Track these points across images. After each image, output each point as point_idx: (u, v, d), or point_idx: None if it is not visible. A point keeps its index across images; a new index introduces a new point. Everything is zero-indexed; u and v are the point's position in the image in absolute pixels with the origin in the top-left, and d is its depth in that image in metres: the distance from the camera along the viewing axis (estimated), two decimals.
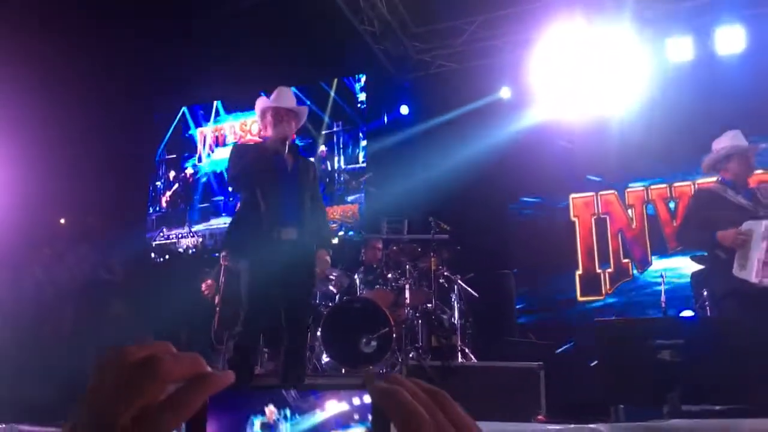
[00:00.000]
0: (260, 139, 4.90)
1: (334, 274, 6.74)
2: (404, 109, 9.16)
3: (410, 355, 6.14)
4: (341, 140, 9.74)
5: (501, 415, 4.36)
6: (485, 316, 7.22)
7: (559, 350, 7.42)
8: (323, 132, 9.82)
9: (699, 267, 6.18)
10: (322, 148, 9.75)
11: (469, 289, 6.85)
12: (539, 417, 4.35)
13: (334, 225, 9.29)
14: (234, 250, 4.37)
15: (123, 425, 0.53)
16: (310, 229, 4.28)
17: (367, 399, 0.63)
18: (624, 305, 8.00)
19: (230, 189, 9.60)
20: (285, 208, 4.18)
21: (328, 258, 4.49)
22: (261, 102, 4.56)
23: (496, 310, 7.60)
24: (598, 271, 8.37)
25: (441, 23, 8.89)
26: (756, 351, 3.43)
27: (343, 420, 0.65)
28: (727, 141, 4.88)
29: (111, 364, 0.56)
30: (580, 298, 8.35)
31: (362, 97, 9.67)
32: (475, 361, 6.22)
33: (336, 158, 9.76)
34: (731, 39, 7.77)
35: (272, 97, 4.51)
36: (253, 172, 4.13)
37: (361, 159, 9.59)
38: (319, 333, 6.26)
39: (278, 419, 0.65)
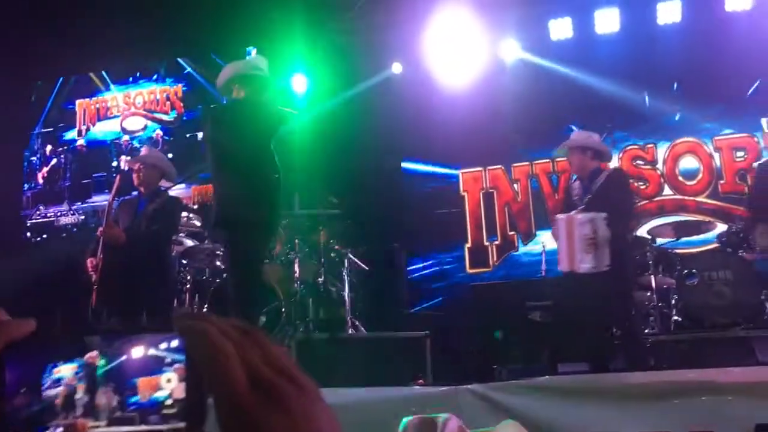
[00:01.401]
0: None
1: (221, 249, 6.59)
2: (299, 82, 8.99)
3: (300, 329, 6.13)
4: None
5: (385, 382, 4.45)
6: (376, 288, 7.30)
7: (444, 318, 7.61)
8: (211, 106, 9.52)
9: None
10: None
11: (359, 262, 6.88)
12: (419, 381, 4.45)
13: None
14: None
15: None
16: None
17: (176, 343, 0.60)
18: (510, 276, 8.28)
19: None
20: None
21: None
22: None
23: (387, 283, 7.69)
24: (486, 243, 8.62)
25: None
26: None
27: (153, 364, 0.62)
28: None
29: None
30: (469, 270, 8.57)
31: None
32: (365, 332, 6.29)
33: None
34: (608, 20, 8.14)
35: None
36: None
37: None
38: (205, 308, 6.14)
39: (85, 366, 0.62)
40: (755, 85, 7.64)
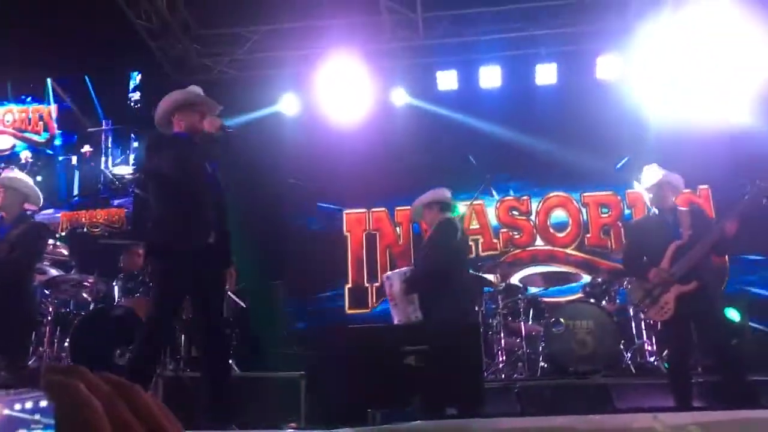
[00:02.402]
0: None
1: (89, 280, 6.25)
2: None
3: (168, 367, 5.87)
4: (110, 139, 9.12)
5: (257, 424, 4.33)
6: (253, 326, 7.15)
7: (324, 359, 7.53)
8: (90, 130, 9.13)
9: None
10: (87, 147, 9.04)
11: (237, 299, 6.73)
12: (291, 424, 4.36)
13: (97, 230, 8.66)
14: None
15: None
16: None
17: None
18: (388, 318, 8.34)
19: None
20: None
21: None
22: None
23: (265, 321, 7.55)
24: (366, 284, 8.68)
25: (225, 29, 8.71)
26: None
27: (13, 425, 0.57)
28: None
29: None
30: (348, 311, 8.58)
31: (136, 95, 9.15)
32: (238, 371, 6.11)
33: (103, 158, 9.11)
34: (491, 75, 8.57)
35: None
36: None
37: (131, 161, 9.05)
38: (67, 344, 5.76)
39: None
40: (624, 160, 8.17)
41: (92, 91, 9.09)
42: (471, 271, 6.86)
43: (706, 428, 2.86)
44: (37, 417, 0.57)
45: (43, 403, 0.57)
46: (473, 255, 8.36)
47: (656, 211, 5.06)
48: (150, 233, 4.18)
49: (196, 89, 4.37)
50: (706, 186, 8.18)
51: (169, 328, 4.21)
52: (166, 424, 0.55)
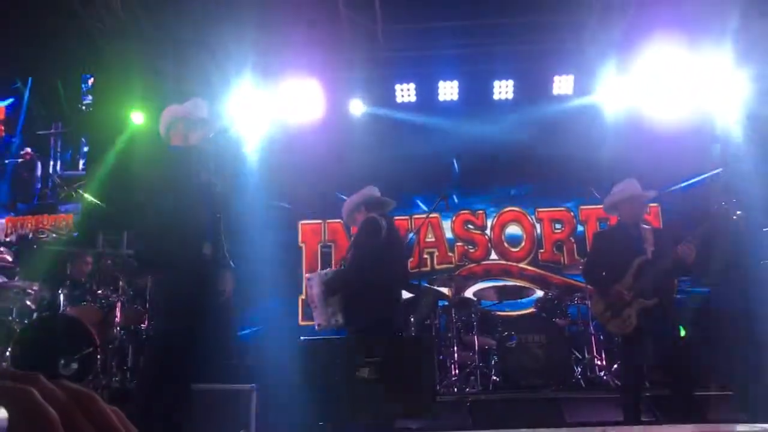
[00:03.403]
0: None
1: (33, 288, 6.04)
2: (137, 117, 8.61)
3: (115, 378, 5.71)
4: (59, 143, 8.87)
5: None
6: (203, 336, 6.99)
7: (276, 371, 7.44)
8: (39, 132, 8.87)
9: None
10: (27, 149, 8.76)
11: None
12: None
13: (43, 236, 8.38)
14: None
15: None
16: None
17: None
18: (341, 331, 8.28)
19: None
20: None
21: None
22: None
23: (216, 331, 7.39)
24: None
25: (179, 32, 8.56)
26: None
27: None
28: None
29: None
30: (301, 322, 8.49)
31: (89, 99, 8.93)
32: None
33: (51, 162, 8.85)
34: (449, 90, 8.64)
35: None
36: None
37: (80, 165, 8.81)
38: (8, 353, 5.54)
39: None
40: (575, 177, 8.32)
41: (41, 93, 8.84)
42: (425, 284, 6.88)
43: None
44: None
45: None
46: (428, 268, 8.38)
47: (622, 224, 5.12)
48: (147, 245, 4.22)
49: (192, 105, 4.33)
50: (656, 204, 8.37)
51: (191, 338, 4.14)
52: None
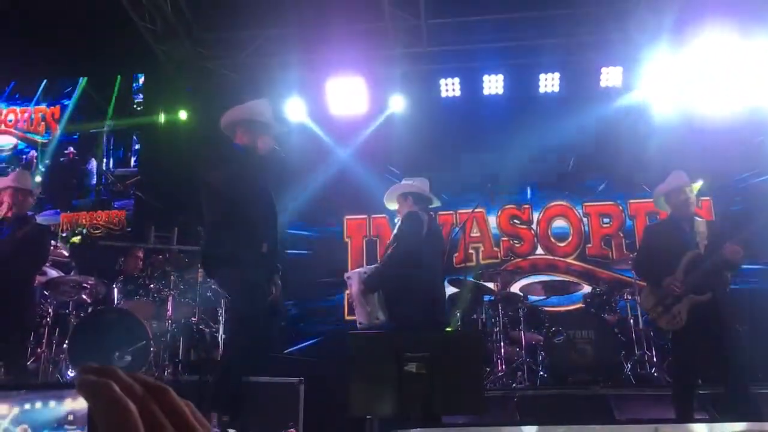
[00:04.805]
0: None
1: (89, 281, 6.23)
2: (183, 115, 8.78)
3: (167, 371, 5.85)
4: (112, 141, 9.11)
5: (256, 429, 4.32)
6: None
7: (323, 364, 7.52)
8: (92, 131, 9.12)
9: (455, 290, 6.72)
10: (71, 148, 9.02)
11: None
12: (290, 430, 4.35)
13: (98, 231, 8.64)
14: None
15: None
16: None
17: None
18: (388, 325, 8.31)
19: None
20: None
21: None
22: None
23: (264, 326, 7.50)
24: None
25: (227, 32, 8.72)
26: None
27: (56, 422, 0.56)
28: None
29: None
30: (347, 317, 8.55)
31: (139, 97, 9.15)
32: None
33: (104, 160, 9.10)
34: (494, 83, 8.59)
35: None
36: None
37: (132, 162, 9.04)
38: (66, 345, 5.74)
39: None
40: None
41: (95, 93, 9.09)
42: (471, 279, 6.86)
43: None
44: (70, 417, 0.56)
45: (77, 404, 0.57)
46: (473, 263, 8.35)
47: (673, 218, 5.01)
48: (208, 244, 4.34)
49: (260, 106, 4.43)
50: (707, 198, 8.17)
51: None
52: (196, 425, 0.56)
